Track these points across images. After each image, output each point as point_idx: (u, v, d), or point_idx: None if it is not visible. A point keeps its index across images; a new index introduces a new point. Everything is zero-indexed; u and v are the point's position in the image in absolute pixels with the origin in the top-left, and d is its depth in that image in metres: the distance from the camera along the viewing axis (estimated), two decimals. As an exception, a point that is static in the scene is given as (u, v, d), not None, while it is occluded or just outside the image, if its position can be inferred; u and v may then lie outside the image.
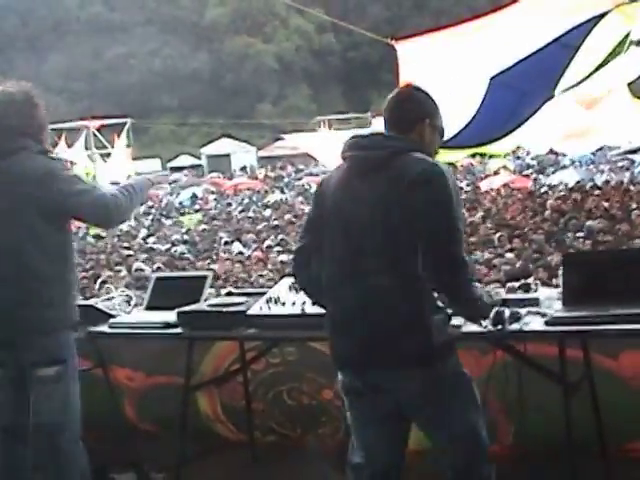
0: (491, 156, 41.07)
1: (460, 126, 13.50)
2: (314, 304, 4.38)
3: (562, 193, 22.74)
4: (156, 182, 5.47)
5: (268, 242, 19.79)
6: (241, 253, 18.22)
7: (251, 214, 28.69)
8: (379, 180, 3.80)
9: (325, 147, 21.31)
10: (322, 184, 4.21)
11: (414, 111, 4.09)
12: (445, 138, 12.45)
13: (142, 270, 15.71)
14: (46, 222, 4.53)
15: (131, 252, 20.14)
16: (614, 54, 12.09)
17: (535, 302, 4.65)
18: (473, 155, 25.24)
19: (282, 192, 37.12)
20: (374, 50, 66.80)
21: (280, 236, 20.52)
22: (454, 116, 13.68)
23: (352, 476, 4.15)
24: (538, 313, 4.43)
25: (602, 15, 11.64)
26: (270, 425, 6.37)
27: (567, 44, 12.03)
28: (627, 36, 11.89)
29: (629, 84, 14.27)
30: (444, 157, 19.95)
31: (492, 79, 12.46)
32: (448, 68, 12.85)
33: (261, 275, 14.17)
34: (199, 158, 62.21)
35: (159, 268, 15.52)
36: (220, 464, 6.03)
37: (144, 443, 6.21)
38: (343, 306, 3.91)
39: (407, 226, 3.73)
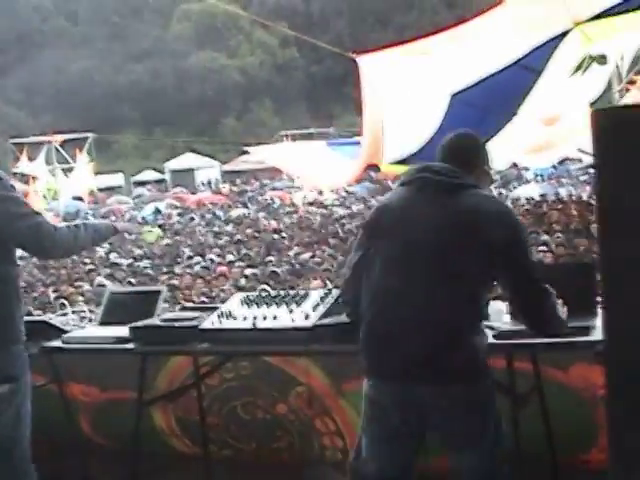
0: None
1: (420, 144, 13.60)
2: (348, 316, 4.39)
3: (525, 207, 22.84)
4: (123, 230, 5.50)
5: (231, 257, 19.75)
6: (206, 268, 18.19)
7: (214, 229, 28.63)
8: (448, 205, 3.96)
9: (289, 158, 21.37)
10: (381, 203, 4.36)
11: (477, 156, 4.29)
12: (405, 155, 12.59)
13: (104, 285, 15.66)
14: None
15: (93, 267, 20.04)
16: (575, 73, 12.20)
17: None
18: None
19: (246, 207, 37.04)
20: (338, 64, 66.73)
21: (243, 251, 20.51)
22: (414, 133, 13.81)
23: None
24: (487, 327, 4.48)
25: (563, 35, 11.73)
26: (225, 439, 6.38)
27: (528, 66, 12.13)
28: (587, 56, 12.00)
29: (591, 104, 14.40)
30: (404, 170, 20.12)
31: (453, 96, 12.55)
32: (409, 83, 12.93)
33: (222, 290, 14.16)
34: (163, 173, 62.02)
35: (130, 282, 15.50)
36: (175, 478, 6.04)
37: (99, 458, 6.22)
38: (391, 320, 3.95)
39: (474, 254, 3.88)
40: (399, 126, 13.59)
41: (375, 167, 16.69)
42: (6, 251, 4.62)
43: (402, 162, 15.22)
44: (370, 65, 13.01)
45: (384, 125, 13.54)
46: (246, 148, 25.14)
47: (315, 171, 19.76)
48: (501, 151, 14.37)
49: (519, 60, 12.06)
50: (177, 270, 18.03)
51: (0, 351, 4.59)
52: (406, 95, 13.18)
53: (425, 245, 3.91)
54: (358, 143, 15.35)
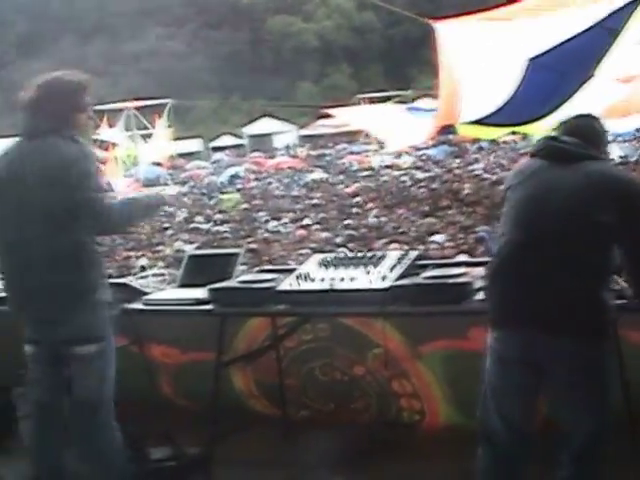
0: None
1: (497, 105, 13.50)
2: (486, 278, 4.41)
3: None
4: (170, 202, 5.56)
5: (308, 220, 19.79)
6: (283, 232, 18.25)
7: (292, 193, 28.68)
8: (578, 173, 4.04)
9: (369, 120, 21.42)
10: (513, 174, 4.43)
11: (599, 138, 4.34)
12: (482, 115, 12.54)
13: (183, 251, 15.80)
14: (67, 204, 4.60)
15: (172, 232, 20.24)
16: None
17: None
18: (513, 132, 25.21)
19: (323, 170, 37.04)
20: (415, 27, 66.18)
21: (321, 214, 20.53)
22: (492, 95, 13.73)
23: (487, 443, 4.23)
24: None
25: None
26: (303, 400, 6.42)
27: (609, 27, 11.96)
28: None
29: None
30: (481, 133, 19.99)
31: (531, 60, 12.43)
32: (486, 48, 12.86)
33: (301, 254, 14.21)
34: (241, 137, 62.29)
35: (199, 247, 15.59)
36: (253, 439, 6.08)
37: (179, 418, 6.30)
38: (523, 275, 4.02)
39: (604, 213, 3.94)
40: (476, 89, 13.54)
41: (451, 128, 16.64)
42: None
43: (478, 122, 15.17)
44: (447, 31, 12.95)
45: (460, 88, 13.49)
46: (325, 111, 24.97)
47: (393, 131, 19.77)
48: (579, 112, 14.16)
49: (600, 22, 11.87)
50: (255, 234, 18.13)
51: (85, 313, 4.69)
52: (483, 59, 13.11)
53: (556, 204, 4.00)
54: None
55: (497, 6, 12.89)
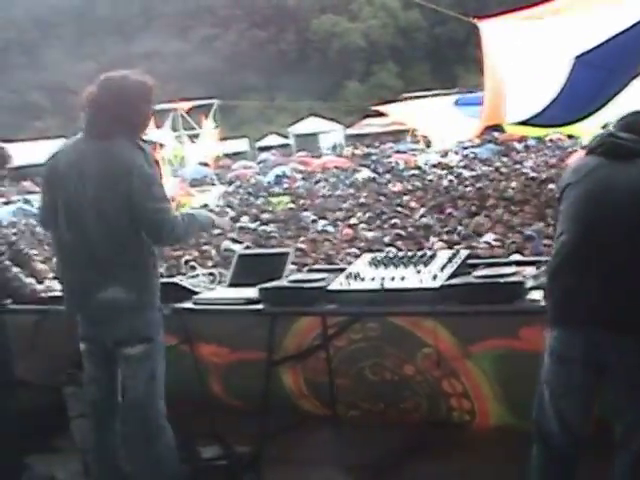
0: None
1: (544, 105, 13.43)
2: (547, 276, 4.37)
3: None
4: (218, 225, 5.59)
5: (355, 220, 19.77)
6: (327, 231, 18.24)
7: (339, 192, 28.68)
8: (637, 169, 4.00)
9: (416, 115, 21.38)
10: (570, 172, 4.37)
11: None
12: (529, 116, 12.49)
13: (231, 250, 15.83)
14: (127, 209, 4.63)
15: (219, 231, 20.26)
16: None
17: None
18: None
19: (370, 170, 36.98)
20: (461, 26, 66.12)
21: (368, 214, 20.50)
22: (537, 94, 13.66)
23: (543, 443, 4.21)
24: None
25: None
26: (353, 400, 6.43)
27: None
28: None
29: None
30: (528, 131, 19.89)
31: (577, 58, 12.35)
32: (532, 47, 12.80)
33: (348, 253, 14.20)
34: (287, 137, 62.39)
35: (248, 247, 15.62)
36: (303, 438, 6.11)
37: (229, 417, 6.32)
38: (586, 273, 3.98)
39: None
40: (521, 88, 13.47)
41: (498, 127, 16.57)
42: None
43: (524, 123, 15.11)
44: (492, 29, 12.90)
45: (506, 87, 13.43)
46: (373, 108, 24.95)
47: (440, 128, 19.73)
48: (625, 110, 14.06)
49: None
50: (302, 233, 18.14)
51: (135, 313, 4.73)
52: (528, 58, 13.04)
53: (616, 201, 3.97)
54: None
55: (542, 2, 12.79)
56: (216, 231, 19.83)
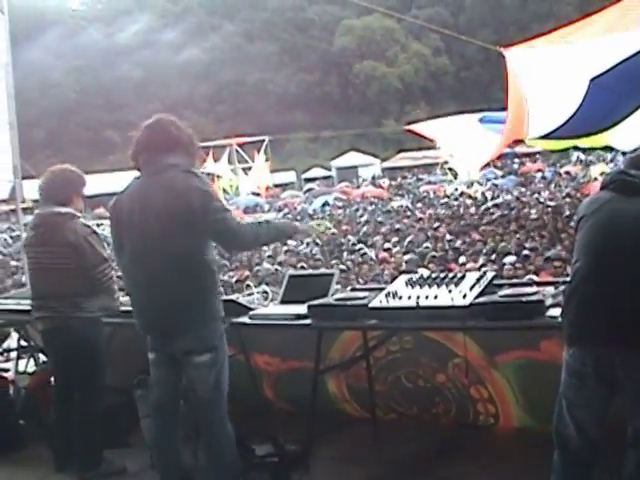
0: (590, 162, 40.37)
1: (560, 122, 13.44)
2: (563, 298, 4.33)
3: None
4: (302, 231, 5.61)
5: (390, 244, 19.75)
6: (366, 254, 18.24)
7: (376, 219, 28.67)
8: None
9: (445, 132, 21.25)
10: (585, 205, 4.34)
11: None
12: (547, 131, 12.42)
13: (276, 270, 15.89)
14: (191, 230, 4.67)
15: (270, 253, 20.34)
16: None
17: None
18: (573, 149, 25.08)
19: (404, 199, 36.93)
20: (485, 70, 66.47)
21: (402, 239, 20.47)
22: (556, 112, 13.66)
23: (563, 448, 4.20)
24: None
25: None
26: (390, 404, 6.45)
27: None
28: None
29: None
30: (547, 145, 19.77)
31: (592, 81, 12.28)
32: (552, 70, 12.75)
33: (385, 274, 14.21)
34: (329, 170, 62.48)
35: (302, 267, 15.66)
36: (346, 438, 6.13)
37: (280, 419, 6.38)
38: (597, 296, 3.97)
39: None
40: (541, 107, 13.48)
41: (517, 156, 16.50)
42: (204, 240, 4.78)
43: (544, 137, 15.13)
44: (515, 56, 12.92)
45: (527, 106, 13.44)
46: (406, 128, 24.90)
47: (465, 146, 19.64)
48: (633, 133, 14.00)
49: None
50: (344, 256, 18.15)
51: (202, 325, 4.78)
52: (548, 80, 13.01)
53: (625, 231, 3.95)
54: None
55: (557, 28, 12.79)
56: (266, 254, 19.99)
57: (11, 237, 33.61)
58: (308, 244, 21.82)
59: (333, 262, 16.81)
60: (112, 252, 5.30)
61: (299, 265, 16.24)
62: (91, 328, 5.85)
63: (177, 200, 4.65)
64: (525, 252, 13.64)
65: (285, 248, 20.99)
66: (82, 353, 5.85)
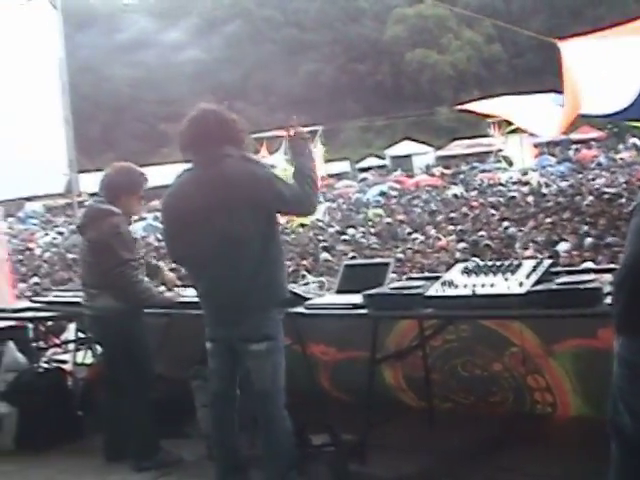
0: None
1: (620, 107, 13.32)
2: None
3: None
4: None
5: (446, 232, 19.69)
6: (422, 243, 18.20)
7: (431, 207, 28.58)
8: None
9: (511, 108, 21.08)
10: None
11: None
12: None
13: (329, 261, 15.92)
14: (257, 217, 4.70)
15: (326, 243, 20.38)
16: None
17: None
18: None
19: (458, 187, 36.76)
20: (537, 57, 65.66)
21: (457, 227, 20.40)
22: (612, 101, 13.55)
23: (619, 437, 4.05)
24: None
25: None
26: (446, 394, 6.42)
27: None
28: None
29: None
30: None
31: None
32: (606, 63, 12.66)
33: (441, 262, 14.16)
34: (383, 159, 62.37)
35: (353, 257, 15.68)
36: (402, 427, 6.10)
37: (336, 409, 6.36)
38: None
39: None
40: (595, 98, 13.38)
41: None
42: (272, 226, 4.85)
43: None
44: (569, 48, 12.87)
45: (581, 96, 13.36)
46: (463, 107, 24.61)
47: (533, 118, 19.42)
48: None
49: None
50: (399, 245, 18.13)
51: (259, 314, 4.79)
52: (601, 73, 12.91)
53: None
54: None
55: (611, 26, 12.76)
56: (321, 244, 19.97)
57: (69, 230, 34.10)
58: (364, 234, 21.84)
59: (388, 251, 16.80)
60: (164, 242, 5.36)
61: (351, 255, 16.24)
62: (124, 319, 5.90)
63: (242, 187, 4.67)
64: (582, 240, 13.51)
65: (342, 237, 21.03)
66: (118, 343, 5.94)
